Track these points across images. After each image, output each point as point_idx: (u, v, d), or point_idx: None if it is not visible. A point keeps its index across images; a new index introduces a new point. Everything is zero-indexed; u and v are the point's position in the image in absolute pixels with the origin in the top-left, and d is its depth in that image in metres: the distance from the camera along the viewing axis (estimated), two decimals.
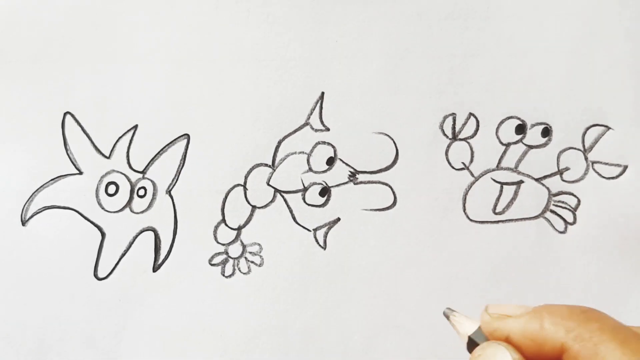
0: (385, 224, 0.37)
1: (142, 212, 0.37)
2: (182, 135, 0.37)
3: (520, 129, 0.38)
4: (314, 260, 0.37)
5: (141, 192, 0.37)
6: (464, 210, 0.37)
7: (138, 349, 0.36)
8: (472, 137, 0.38)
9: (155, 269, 0.37)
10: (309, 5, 0.38)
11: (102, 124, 0.37)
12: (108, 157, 0.37)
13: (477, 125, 0.38)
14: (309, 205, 0.37)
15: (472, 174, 0.37)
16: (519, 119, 0.38)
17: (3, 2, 0.38)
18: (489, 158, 0.38)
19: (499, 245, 0.37)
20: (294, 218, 0.37)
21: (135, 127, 0.37)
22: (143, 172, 0.37)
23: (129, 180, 0.37)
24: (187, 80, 0.38)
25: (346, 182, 0.37)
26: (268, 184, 0.37)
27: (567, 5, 0.38)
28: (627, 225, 0.36)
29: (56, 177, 0.37)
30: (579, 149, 0.37)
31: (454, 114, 0.38)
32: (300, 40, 0.38)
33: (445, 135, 0.38)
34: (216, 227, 0.37)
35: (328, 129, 0.38)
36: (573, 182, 0.37)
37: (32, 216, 0.37)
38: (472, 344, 0.27)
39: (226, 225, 0.37)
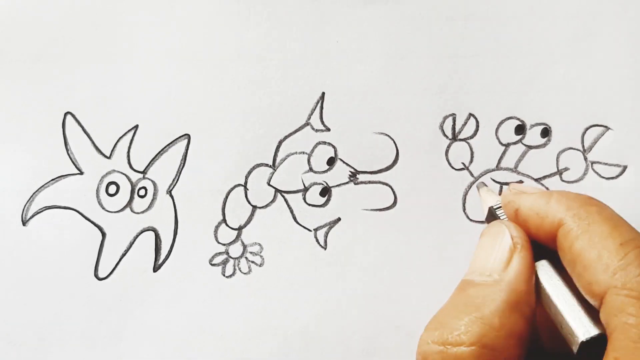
0: (385, 224, 0.37)
1: (143, 212, 0.37)
2: (182, 136, 0.37)
3: (520, 129, 0.38)
4: (315, 260, 0.37)
5: (142, 192, 0.37)
6: (464, 210, 0.37)
7: (138, 349, 0.36)
8: (472, 137, 0.38)
9: (156, 269, 0.37)
10: (310, 5, 0.38)
11: (103, 124, 0.37)
12: (109, 157, 0.37)
13: (477, 126, 0.38)
14: (309, 205, 0.37)
15: (472, 174, 0.37)
16: (518, 119, 0.38)
17: (3, 2, 0.38)
18: (489, 158, 0.38)
19: None
20: (294, 218, 0.37)
21: (136, 127, 0.37)
22: (144, 172, 0.37)
23: (129, 180, 0.37)
24: (187, 80, 0.38)
25: (347, 182, 0.37)
26: (269, 184, 0.37)
27: (567, 6, 0.38)
28: None
29: (57, 177, 0.37)
30: (578, 150, 0.37)
31: (454, 114, 0.38)
32: (301, 40, 0.38)
33: (445, 135, 0.38)
34: (217, 227, 0.37)
35: (329, 129, 0.38)
36: (572, 182, 0.37)
37: (32, 216, 0.37)
38: (490, 217, 0.31)
39: (227, 225, 0.37)
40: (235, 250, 0.37)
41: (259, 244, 0.37)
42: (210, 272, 0.37)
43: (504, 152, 0.38)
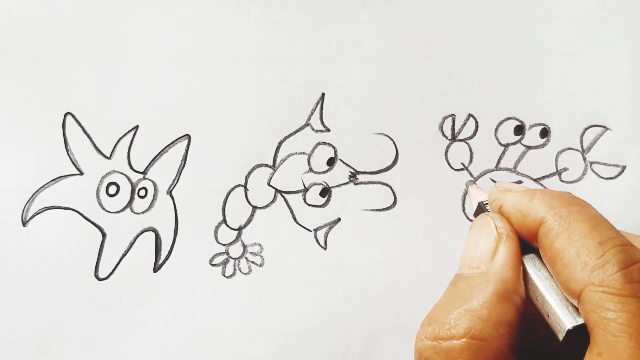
0: (385, 224, 0.37)
1: (143, 212, 0.37)
2: (183, 136, 0.37)
3: (519, 129, 0.38)
4: (315, 261, 0.37)
5: (142, 192, 0.37)
6: (464, 210, 0.37)
7: (138, 349, 0.36)
8: (471, 137, 0.38)
9: (156, 269, 0.37)
10: (310, 6, 0.38)
11: (103, 124, 0.37)
12: (109, 158, 0.37)
13: (476, 126, 0.38)
14: (309, 205, 0.37)
15: (471, 175, 0.38)
16: (517, 119, 0.38)
17: (3, 2, 0.38)
18: (488, 158, 0.38)
19: None
20: (294, 218, 0.37)
21: (136, 127, 0.37)
22: (144, 172, 0.37)
23: (129, 180, 0.37)
24: (188, 80, 0.38)
25: (346, 183, 0.38)
26: (269, 185, 0.37)
27: (566, 7, 0.38)
28: (626, 225, 0.37)
29: (57, 178, 0.37)
30: (577, 150, 0.38)
31: (453, 115, 0.38)
32: (301, 41, 0.38)
33: (444, 136, 0.38)
34: (217, 228, 0.37)
35: (328, 130, 0.38)
36: (572, 182, 0.38)
37: (32, 217, 0.37)
38: (478, 212, 0.32)
39: (227, 225, 0.37)
40: (236, 250, 0.37)
41: (259, 244, 0.37)
42: (211, 273, 0.37)
43: (503, 153, 0.38)
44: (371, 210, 0.37)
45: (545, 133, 0.38)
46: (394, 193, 0.37)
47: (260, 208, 0.37)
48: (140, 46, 0.38)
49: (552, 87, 0.38)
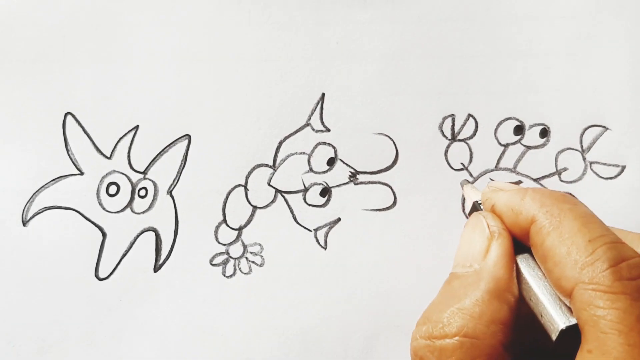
0: (385, 224, 0.37)
1: (143, 212, 0.37)
2: (183, 136, 0.37)
3: (519, 129, 0.38)
4: (315, 260, 0.37)
5: (142, 192, 0.37)
6: (463, 210, 0.37)
7: (139, 349, 0.36)
8: (471, 137, 0.38)
9: (156, 269, 0.37)
10: (310, 6, 0.38)
11: (103, 124, 0.37)
12: (109, 158, 0.37)
13: (476, 126, 0.38)
14: (309, 205, 0.37)
15: (471, 175, 0.38)
16: (517, 119, 0.38)
17: (3, 2, 0.38)
18: (488, 158, 0.38)
19: None
20: (294, 218, 0.37)
21: (137, 127, 0.37)
22: (144, 172, 0.37)
23: (130, 180, 0.37)
24: (188, 80, 0.38)
25: (346, 183, 0.38)
26: (269, 185, 0.37)
27: (565, 7, 0.38)
28: (625, 225, 0.37)
29: (57, 178, 0.37)
30: (577, 150, 0.38)
31: (453, 115, 0.38)
32: (301, 41, 0.38)
33: (444, 136, 0.38)
34: (217, 228, 0.37)
35: (328, 130, 0.38)
36: (571, 182, 0.38)
37: (32, 217, 0.37)
38: (472, 211, 0.32)
39: (227, 225, 0.37)
40: (236, 250, 0.37)
41: (259, 244, 0.37)
42: (211, 272, 0.37)
43: (503, 153, 0.38)
44: (371, 210, 0.37)
45: (544, 133, 0.38)
46: (394, 193, 0.37)
47: (260, 208, 0.37)
48: (140, 46, 0.38)
49: (551, 87, 0.38)
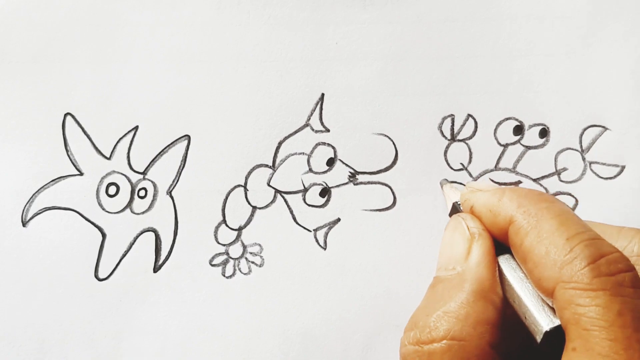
0: (385, 224, 0.37)
1: (143, 212, 0.37)
2: (182, 136, 0.37)
3: (518, 129, 0.38)
4: (315, 261, 0.37)
5: (142, 192, 0.37)
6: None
7: (139, 350, 0.36)
8: (470, 138, 0.38)
9: (156, 269, 0.37)
10: (310, 7, 0.38)
11: (103, 124, 0.37)
12: (108, 158, 0.37)
13: (476, 127, 0.38)
14: (309, 205, 0.37)
15: (470, 175, 0.38)
16: (516, 120, 0.38)
17: (3, 2, 0.38)
18: (488, 159, 0.38)
19: None
20: (294, 218, 0.37)
21: (136, 128, 0.37)
22: (144, 173, 0.37)
23: (129, 181, 0.37)
24: (187, 81, 0.38)
25: (346, 183, 0.38)
26: (268, 185, 0.37)
27: (565, 8, 0.38)
28: (625, 225, 0.37)
29: (57, 178, 0.37)
30: (576, 150, 0.38)
31: (452, 115, 0.38)
32: (301, 42, 0.38)
33: (444, 136, 0.38)
34: (217, 228, 0.37)
35: (328, 130, 0.38)
36: (571, 182, 0.38)
37: (32, 217, 0.37)
38: (453, 212, 0.32)
39: (227, 225, 0.37)
40: (235, 250, 0.37)
41: (259, 245, 0.37)
42: (211, 273, 0.37)
43: (502, 153, 0.38)
44: (371, 210, 0.37)
45: (544, 133, 0.38)
46: (393, 193, 0.37)
47: (260, 208, 0.37)
48: (140, 46, 0.38)
49: (551, 88, 0.38)
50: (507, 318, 0.26)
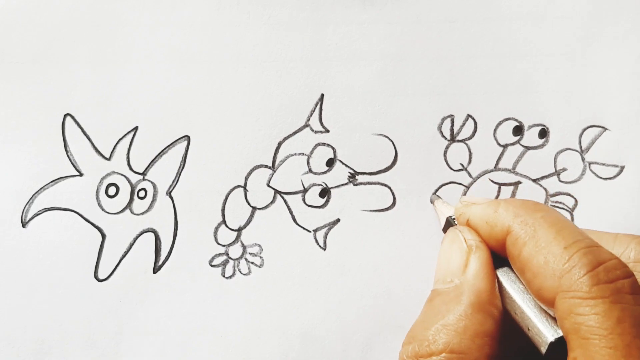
0: (384, 224, 0.37)
1: (143, 213, 0.37)
2: (182, 137, 0.37)
3: (518, 130, 0.38)
4: (314, 261, 0.37)
5: (141, 193, 0.37)
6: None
7: (138, 350, 0.36)
8: (470, 138, 0.38)
9: (156, 270, 0.37)
10: (310, 7, 0.38)
11: (103, 125, 0.37)
12: (108, 159, 0.37)
13: (475, 127, 0.38)
14: (309, 206, 0.37)
15: (470, 175, 0.38)
16: (516, 120, 0.38)
17: (3, 2, 0.38)
18: (487, 159, 0.38)
19: None
20: (294, 219, 0.37)
21: (136, 128, 0.37)
22: (143, 173, 0.37)
23: (129, 181, 0.37)
24: (187, 81, 0.38)
25: (346, 183, 0.38)
26: (268, 185, 0.37)
27: (565, 8, 0.38)
28: (624, 226, 0.37)
29: (56, 179, 0.37)
30: (576, 150, 0.38)
31: (452, 115, 0.38)
32: (301, 42, 0.38)
33: (443, 136, 0.38)
34: (216, 228, 0.37)
35: (328, 131, 0.38)
36: (570, 182, 0.38)
37: (32, 218, 0.37)
38: (447, 226, 0.32)
39: (226, 226, 0.37)
40: (235, 251, 0.37)
41: (259, 245, 0.37)
42: (210, 273, 0.37)
43: (502, 153, 0.38)
44: (370, 210, 0.37)
45: (544, 133, 0.38)
46: (393, 194, 0.37)
47: (259, 209, 0.37)
48: (140, 47, 0.38)
49: (551, 88, 0.38)
50: (505, 329, 0.26)
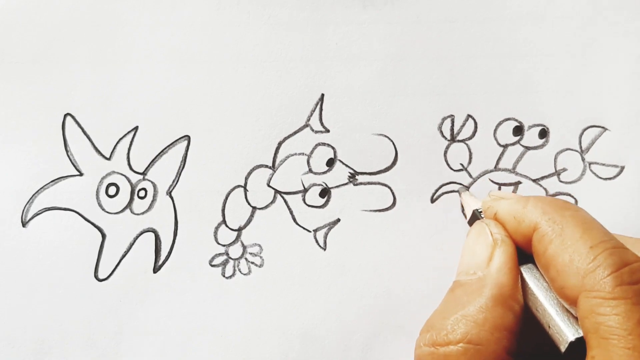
0: (384, 224, 0.37)
1: (143, 213, 0.37)
2: (182, 137, 0.37)
3: (518, 130, 0.38)
4: (314, 261, 0.37)
5: (142, 193, 0.37)
6: (462, 210, 0.37)
7: (138, 350, 0.36)
8: (470, 138, 0.38)
9: (156, 270, 0.37)
10: (310, 7, 0.38)
11: (103, 125, 0.37)
12: (108, 159, 0.37)
13: (475, 127, 0.38)
14: (309, 206, 0.37)
15: (470, 175, 0.38)
16: (516, 120, 0.38)
17: (3, 2, 0.38)
18: (487, 159, 0.38)
19: None
20: (294, 219, 0.37)
21: (136, 128, 0.37)
22: (143, 173, 0.37)
23: (129, 181, 0.37)
24: (187, 81, 0.38)
25: (346, 183, 0.38)
26: (268, 185, 0.37)
27: (565, 8, 0.38)
28: (624, 226, 0.37)
29: (56, 179, 0.37)
30: (576, 150, 0.38)
31: (452, 115, 0.38)
32: (301, 42, 0.38)
33: (443, 136, 0.38)
34: (216, 228, 0.37)
35: (328, 131, 0.38)
36: (570, 182, 0.38)
37: (32, 217, 0.37)
38: (473, 220, 0.32)
39: (226, 226, 0.37)
40: (235, 251, 0.37)
41: (259, 245, 0.37)
42: (210, 273, 0.37)
43: (502, 153, 0.38)
44: (370, 210, 0.37)
45: (544, 134, 0.38)
46: (393, 194, 0.37)
47: (259, 209, 0.37)
48: (140, 47, 0.38)
49: (551, 88, 0.38)
50: (524, 325, 0.26)
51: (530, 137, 0.38)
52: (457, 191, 0.37)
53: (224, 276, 0.37)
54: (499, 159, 0.38)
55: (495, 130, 0.38)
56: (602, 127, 0.38)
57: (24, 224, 0.37)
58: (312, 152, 0.38)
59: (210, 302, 0.37)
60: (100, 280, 0.37)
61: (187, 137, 0.37)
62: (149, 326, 0.36)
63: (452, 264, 0.36)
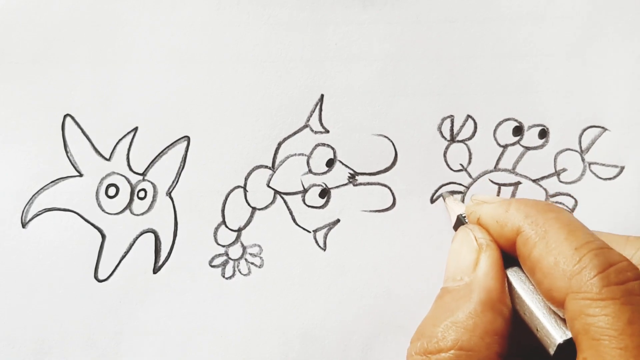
0: (384, 225, 0.37)
1: (143, 214, 0.37)
2: (182, 137, 0.37)
3: (518, 130, 0.38)
4: (314, 261, 0.37)
5: (141, 194, 0.37)
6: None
7: (138, 351, 0.36)
8: (470, 138, 0.38)
9: (156, 270, 0.37)
10: (309, 7, 0.38)
11: (102, 125, 0.37)
12: (108, 159, 0.37)
13: (475, 127, 0.38)
14: (308, 206, 0.37)
15: (470, 176, 0.38)
16: (516, 120, 0.38)
17: (3, 2, 0.38)
18: (487, 159, 0.38)
19: None
20: (293, 219, 0.37)
21: (136, 129, 0.37)
22: (143, 174, 0.37)
23: (129, 182, 0.37)
24: (187, 82, 0.38)
25: (346, 184, 0.38)
26: (268, 186, 0.37)
27: (565, 8, 0.38)
28: (624, 226, 0.37)
29: (56, 179, 0.37)
30: (576, 150, 0.38)
31: (452, 116, 0.38)
32: (300, 42, 0.38)
33: (443, 137, 0.38)
34: (216, 229, 0.37)
35: (327, 131, 0.38)
36: (570, 183, 0.38)
37: (32, 218, 0.37)
38: (458, 225, 0.32)
39: (226, 226, 0.37)
40: (235, 251, 0.37)
41: (259, 246, 0.37)
42: (210, 274, 0.37)
43: (502, 154, 0.38)
44: (370, 211, 0.37)
45: (544, 134, 0.38)
46: (393, 194, 0.37)
47: (259, 209, 0.37)
48: (140, 47, 0.38)
49: (550, 88, 0.38)
50: (514, 329, 0.26)
51: (530, 137, 0.38)
52: (442, 196, 0.37)
53: (223, 277, 0.37)
54: (499, 159, 0.38)
55: (495, 131, 0.38)
56: (602, 127, 0.38)
57: (23, 225, 0.37)
58: (311, 152, 0.38)
59: (210, 302, 0.37)
60: (100, 281, 0.37)
61: (187, 138, 0.37)
62: (149, 326, 0.36)
63: None
